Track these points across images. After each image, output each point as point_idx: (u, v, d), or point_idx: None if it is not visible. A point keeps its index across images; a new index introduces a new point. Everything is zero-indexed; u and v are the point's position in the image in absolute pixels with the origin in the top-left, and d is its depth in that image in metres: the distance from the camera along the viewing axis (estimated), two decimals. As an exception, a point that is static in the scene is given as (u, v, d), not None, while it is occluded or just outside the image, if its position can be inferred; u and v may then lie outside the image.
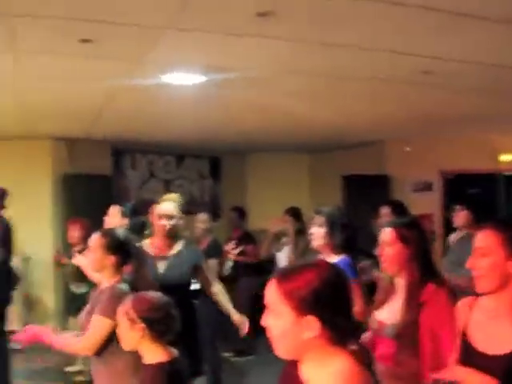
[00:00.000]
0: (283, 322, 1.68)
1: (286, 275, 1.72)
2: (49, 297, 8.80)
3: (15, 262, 6.66)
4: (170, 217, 4.32)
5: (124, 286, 3.31)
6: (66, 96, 6.14)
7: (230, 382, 6.51)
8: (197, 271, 4.46)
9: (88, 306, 3.41)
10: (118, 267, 3.39)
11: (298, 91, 5.84)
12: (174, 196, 4.54)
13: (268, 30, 3.96)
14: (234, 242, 6.45)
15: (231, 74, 5.07)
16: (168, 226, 4.31)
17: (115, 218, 5.20)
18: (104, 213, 5.41)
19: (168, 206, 4.37)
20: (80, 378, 6.61)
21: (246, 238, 7.59)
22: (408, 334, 2.81)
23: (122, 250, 3.41)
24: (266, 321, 1.73)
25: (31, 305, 8.79)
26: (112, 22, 3.80)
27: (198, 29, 3.93)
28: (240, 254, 6.47)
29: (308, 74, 5.23)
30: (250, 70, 5.02)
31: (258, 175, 10.93)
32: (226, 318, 4.59)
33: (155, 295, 2.92)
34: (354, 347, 1.70)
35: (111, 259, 3.35)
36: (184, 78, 5.28)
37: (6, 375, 6.10)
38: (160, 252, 4.39)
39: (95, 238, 3.43)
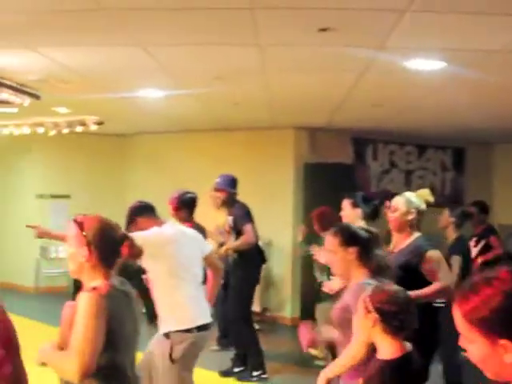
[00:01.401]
0: (478, 349, 1.50)
1: (465, 297, 1.53)
2: (286, 282, 9.09)
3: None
4: (393, 210, 4.19)
5: (371, 281, 3.20)
6: (308, 86, 6.24)
7: None
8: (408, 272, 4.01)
9: (341, 302, 3.34)
10: (362, 259, 3.28)
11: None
12: (423, 191, 4.37)
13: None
14: (475, 239, 6.08)
15: (472, 57, 4.75)
16: (390, 219, 4.21)
17: (347, 211, 5.18)
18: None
19: (397, 198, 4.24)
20: (319, 363, 6.71)
21: (489, 233, 7.10)
22: None
23: (360, 241, 3.31)
24: (463, 345, 1.56)
25: (270, 288, 9.15)
26: (350, 8, 3.75)
27: (439, 10, 3.72)
28: (484, 248, 6.09)
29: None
30: (492, 51, 4.65)
31: (506, 167, 10.19)
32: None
33: (396, 289, 2.80)
34: None
35: (352, 252, 3.26)
36: (424, 64, 5.06)
37: (258, 352, 6.34)
38: (394, 246, 4.28)
39: (329, 239, 3.37)
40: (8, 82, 5.94)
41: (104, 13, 3.98)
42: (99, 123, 8.52)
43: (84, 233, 2.56)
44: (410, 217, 4.15)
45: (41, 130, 8.71)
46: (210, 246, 4.45)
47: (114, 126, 9.32)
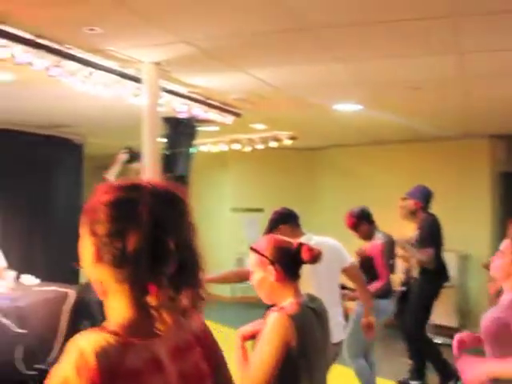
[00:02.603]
0: None
1: None
2: (483, 296, 8.72)
3: (448, 259, 6.66)
4: None
5: None
6: (508, 92, 6.02)
7: None
8: None
9: (493, 313, 3.23)
10: None
11: None
12: None
13: None
14: None
15: None
16: None
17: None
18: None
19: None
20: None
21: None
22: None
23: None
24: None
25: (467, 303, 8.85)
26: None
27: None
28: None
29: None
30: None
31: None
32: None
33: None
34: None
35: None
36: None
37: (445, 366, 6.09)
38: None
39: (506, 243, 3.25)
40: (214, 102, 6.36)
41: (305, 32, 4.16)
42: (293, 138, 8.78)
43: (264, 254, 2.62)
44: None
45: (237, 146, 9.17)
46: (350, 258, 4.29)
47: (306, 141, 9.55)
